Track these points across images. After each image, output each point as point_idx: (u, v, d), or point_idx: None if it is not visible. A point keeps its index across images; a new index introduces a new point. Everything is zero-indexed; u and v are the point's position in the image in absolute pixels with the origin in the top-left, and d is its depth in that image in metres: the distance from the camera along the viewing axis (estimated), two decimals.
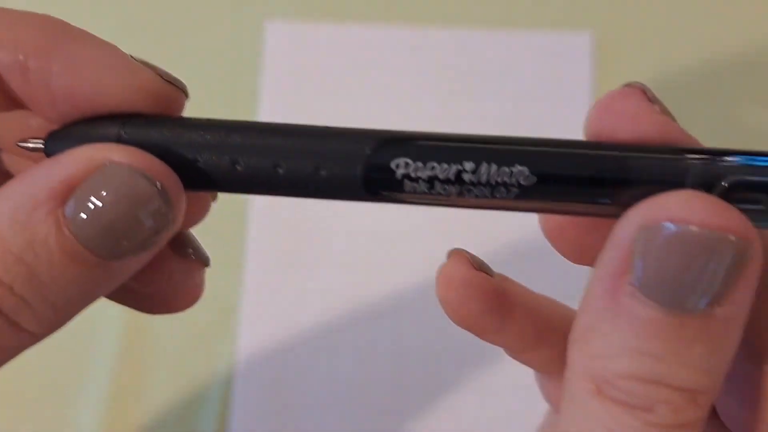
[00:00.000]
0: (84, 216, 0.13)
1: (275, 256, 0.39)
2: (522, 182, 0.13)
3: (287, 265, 0.39)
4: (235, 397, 0.38)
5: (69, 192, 0.13)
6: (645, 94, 0.14)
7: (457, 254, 0.17)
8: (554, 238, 0.15)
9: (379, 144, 0.13)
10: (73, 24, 0.15)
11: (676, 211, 0.12)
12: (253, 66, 0.43)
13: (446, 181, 0.13)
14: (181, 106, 0.16)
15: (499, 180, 0.12)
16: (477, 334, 0.17)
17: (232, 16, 0.45)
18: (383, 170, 0.13)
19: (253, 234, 0.40)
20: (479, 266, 0.16)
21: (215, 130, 0.14)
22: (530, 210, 0.13)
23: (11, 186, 0.13)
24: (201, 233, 0.42)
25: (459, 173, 0.13)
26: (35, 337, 0.14)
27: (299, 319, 0.39)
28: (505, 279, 0.17)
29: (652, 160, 0.13)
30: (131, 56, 0.15)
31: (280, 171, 0.13)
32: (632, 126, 0.13)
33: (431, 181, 0.13)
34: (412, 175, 0.13)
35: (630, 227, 0.12)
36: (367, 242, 0.39)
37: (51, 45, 0.14)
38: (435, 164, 0.13)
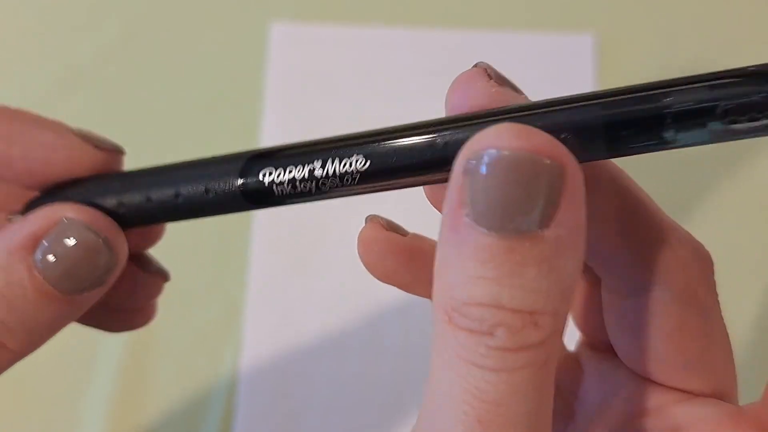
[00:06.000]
0: (48, 261, 0.16)
1: (279, 258, 0.40)
2: (360, 168, 0.15)
3: (291, 268, 0.39)
4: (239, 398, 0.38)
5: (36, 243, 0.17)
6: (486, 71, 0.16)
7: (372, 219, 0.18)
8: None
9: (247, 161, 0.16)
10: (26, 110, 0.19)
11: (491, 140, 0.12)
12: (257, 67, 0.44)
13: (303, 180, 0.15)
14: (119, 161, 0.20)
15: (343, 171, 0.15)
16: (398, 287, 0.19)
17: (237, 17, 0.45)
18: (256, 182, 0.16)
19: (258, 237, 0.40)
20: (392, 228, 0.18)
21: (134, 177, 0.18)
22: (380, 189, 0.16)
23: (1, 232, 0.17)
24: (207, 236, 0.42)
25: (311, 171, 0.15)
26: (16, 355, 0.17)
27: (304, 321, 0.39)
28: (417, 237, 0.18)
29: (458, 129, 0.15)
30: (72, 131, 0.19)
31: (180, 200, 0.17)
32: (472, 101, 0.15)
33: (293, 182, 0.15)
34: (276, 180, 0.16)
35: (459, 163, 0.13)
36: None
37: (10, 133, 0.18)
38: (292, 167, 0.15)
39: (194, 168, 0.17)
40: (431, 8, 0.45)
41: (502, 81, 0.16)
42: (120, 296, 0.20)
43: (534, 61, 0.42)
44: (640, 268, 0.16)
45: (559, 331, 0.13)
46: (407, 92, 0.42)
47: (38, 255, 0.17)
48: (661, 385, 0.17)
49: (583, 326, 0.19)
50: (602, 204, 0.15)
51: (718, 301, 0.16)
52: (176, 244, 0.40)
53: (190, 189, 0.17)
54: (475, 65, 0.16)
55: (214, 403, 0.38)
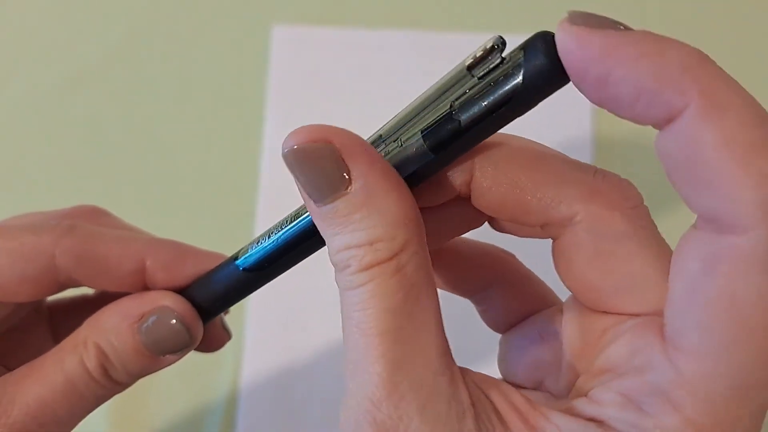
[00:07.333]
0: (146, 331, 0.23)
1: None
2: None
3: (293, 272, 0.40)
4: (241, 398, 0.38)
5: (142, 317, 0.23)
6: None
7: None
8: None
9: (232, 259, 0.23)
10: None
11: (284, 144, 0.17)
12: (259, 68, 0.44)
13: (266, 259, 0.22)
14: None
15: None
16: None
17: (240, 20, 0.45)
18: (247, 267, 0.23)
19: None
20: None
21: (210, 283, 0.24)
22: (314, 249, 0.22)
23: (119, 303, 0.24)
24: (209, 239, 0.42)
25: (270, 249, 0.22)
26: (117, 385, 0.23)
27: (305, 325, 0.39)
28: None
29: None
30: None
31: (226, 292, 0.24)
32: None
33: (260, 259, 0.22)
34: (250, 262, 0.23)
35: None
36: None
37: (177, 263, 0.24)
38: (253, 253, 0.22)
39: (225, 268, 0.23)
40: (431, 10, 0.45)
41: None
42: (205, 336, 0.26)
43: None
44: (548, 211, 0.18)
45: (405, 248, 0.17)
46: (407, 94, 0.42)
47: (141, 325, 0.23)
48: (607, 313, 0.18)
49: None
50: (505, 170, 0.18)
51: (647, 227, 0.18)
52: None
53: (228, 283, 0.23)
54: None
55: (216, 404, 0.38)
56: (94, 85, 0.44)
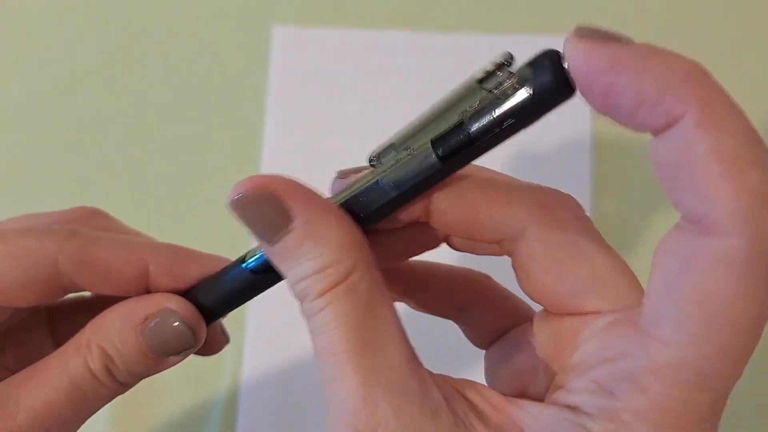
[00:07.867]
0: (150, 333, 0.23)
1: None
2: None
3: None
4: (240, 401, 0.38)
5: (146, 319, 0.23)
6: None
7: None
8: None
9: (239, 261, 0.23)
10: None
11: (228, 194, 0.19)
12: (259, 68, 0.44)
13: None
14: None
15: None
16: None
17: (240, 20, 0.46)
18: (252, 268, 0.23)
19: None
20: None
21: (216, 284, 0.24)
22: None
23: (123, 305, 0.23)
24: (209, 237, 0.42)
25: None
26: (120, 386, 0.23)
27: (305, 324, 0.39)
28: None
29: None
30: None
31: (233, 291, 0.24)
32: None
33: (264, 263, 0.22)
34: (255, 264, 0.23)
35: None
36: None
37: (180, 267, 0.24)
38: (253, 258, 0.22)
39: (232, 270, 0.24)
40: (431, 12, 0.45)
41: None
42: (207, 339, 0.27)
43: None
44: (501, 228, 0.20)
45: (355, 269, 0.18)
46: (407, 94, 0.43)
47: (145, 327, 0.23)
48: (572, 315, 0.20)
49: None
50: (461, 192, 0.20)
51: (591, 233, 0.20)
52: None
53: (234, 285, 0.24)
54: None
55: (216, 403, 0.38)
56: (93, 85, 0.45)
